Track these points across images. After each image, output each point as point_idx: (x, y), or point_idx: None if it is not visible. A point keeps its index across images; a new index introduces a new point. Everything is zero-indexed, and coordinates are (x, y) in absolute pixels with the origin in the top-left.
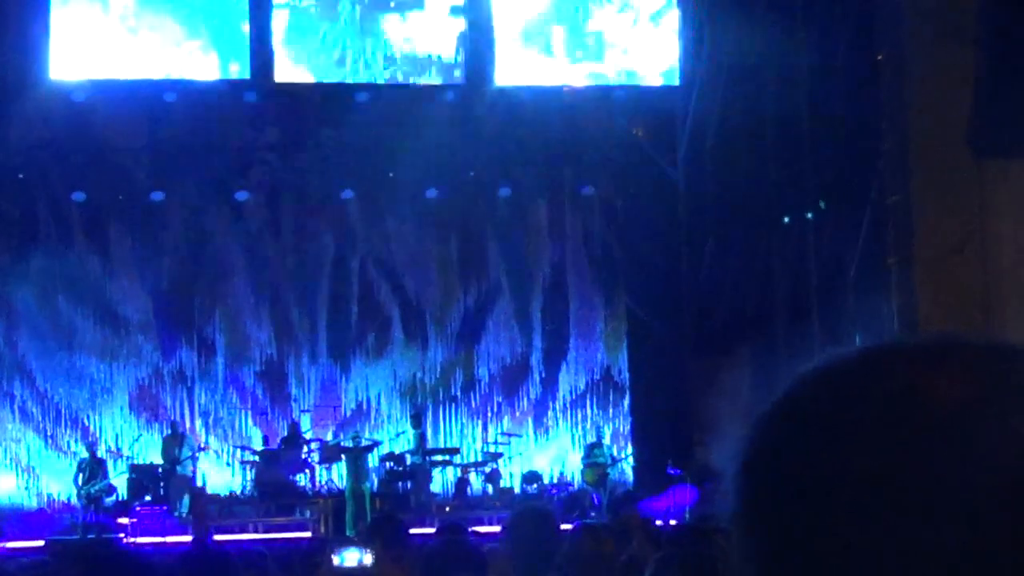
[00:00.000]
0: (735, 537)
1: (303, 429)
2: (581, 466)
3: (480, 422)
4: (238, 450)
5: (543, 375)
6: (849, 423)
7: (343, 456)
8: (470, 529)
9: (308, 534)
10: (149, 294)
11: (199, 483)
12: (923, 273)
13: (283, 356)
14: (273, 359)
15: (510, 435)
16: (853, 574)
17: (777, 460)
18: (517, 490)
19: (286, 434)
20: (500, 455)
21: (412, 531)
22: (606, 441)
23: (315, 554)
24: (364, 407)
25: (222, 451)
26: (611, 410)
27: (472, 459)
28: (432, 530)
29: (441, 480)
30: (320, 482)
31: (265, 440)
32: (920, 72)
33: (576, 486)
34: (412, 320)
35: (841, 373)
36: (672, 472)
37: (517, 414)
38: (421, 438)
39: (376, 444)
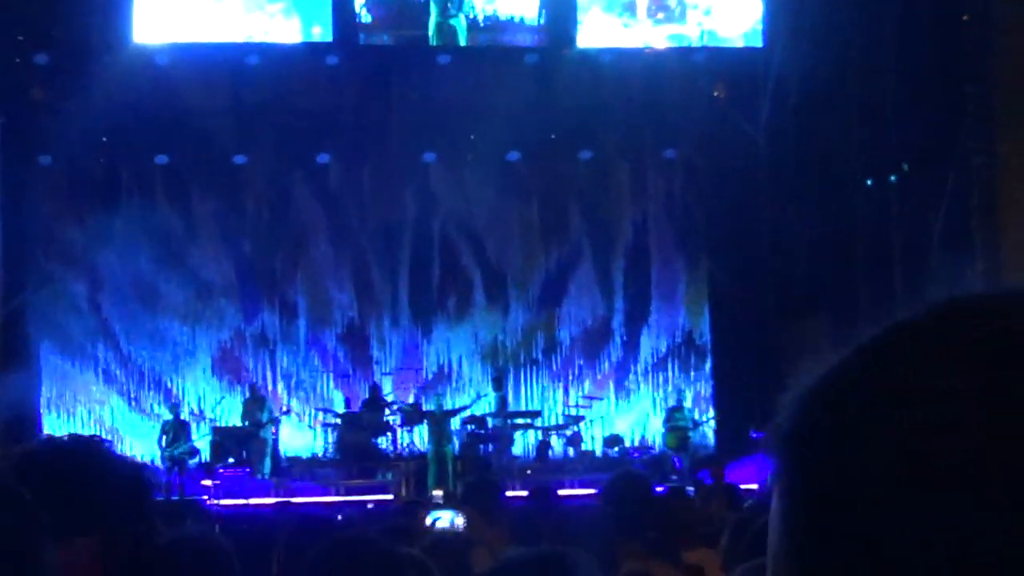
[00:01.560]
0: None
1: (384, 392)
2: (662, 430)
3: (561, 385)
4: (320, 413)
5: (624, 338)
6: (923, 401)
7: (425, 419)
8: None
9: (390, 496)
10: (231, 257)
11: (281, 446)
12: (1008, 234)
13: (364, 319)
14: (355, 322)
15: (591, 398)
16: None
17: (831, 440)
18: (598, 453)
19: (367, 397)
20: (581, 418)
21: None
22: (687, 405)
23: (406, 515)
24: (445, 370)
25: (304, 414)
26: (692, 373)
27: (553, 422)
28: (520, 493)
29: (522, 443)
30: (402, 445)
31: (347, 403)
32: (1007, 31)
33: (657, 450)
34: (493, 283)
35: (911, 338)
36: (755, 436)
37: (598, 377)
38: (502, 401)
39: (463, 409)
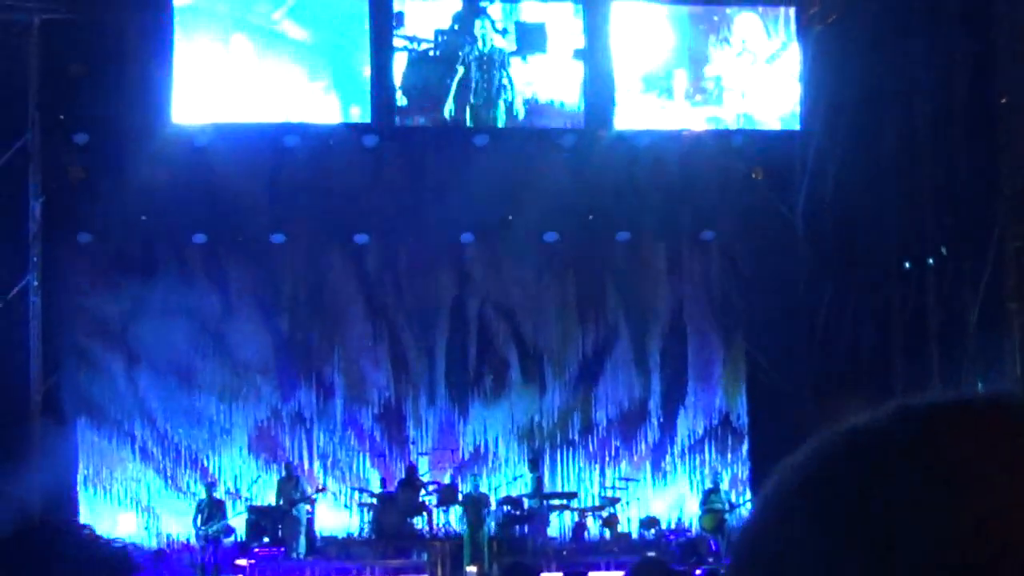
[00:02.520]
0: None
1: (420, 472)
2: (699, 512)
3: (597, 466)
4: (356, 492)
5: (661, 419)
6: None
7: (460, 500)
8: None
9: None
10: (269, 335)
11: (316, 526)
12: None
13: (401, 398)
14: (391, 401)
15: (628, 480)
16: None
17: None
18: (635, 535)
19: (403, 477)
20: (618, 500)
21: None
22: (724, 487)
23: None
24: (482, 450)
25: (340, 493)
26: (729, 455)
27: (589, 503)
28: (556, 575)
29: (558, 524)
30: (437, 525)
31: (383, 482)
32: None
33: (694, 532)
34: (530, 363)
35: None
36: None
37: (635, 458)
38: (538, 482)
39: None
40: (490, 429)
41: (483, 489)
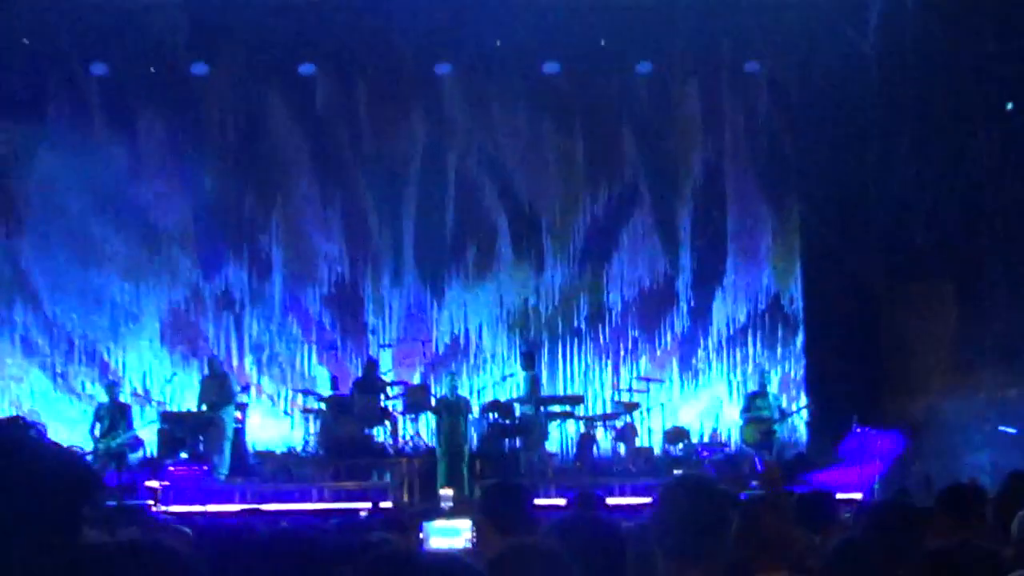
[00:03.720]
0: None
1: (383, 370)
2: (740, 422)
3: (610, 364)
4: (299, 396)
5: (692, 304)
6: None
7: (434, 405)
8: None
9: (388, 504)
10: (188, 194)
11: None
12: None
13: (358, 276)
14: (345, 280)
15: (649, 380)
16: None
17: None
18: (657, 451)
19: (360, 376)
20: (636, 406)
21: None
22: (772, 390)
23: (397, 529)
24: (461, 342)
25: (278, 397)
26: (780, 350)
27: (600, 411)
28: (556, 502)
29: (560, 437)
30: (404, 437)
31: (334, 383)
32: None
33: (733, 447)
34: (524, 232)
35: None
36: (858, 431)
37: (658, 354)
38: (534, 383)
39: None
40: (472, 315)
41: (462, 392)
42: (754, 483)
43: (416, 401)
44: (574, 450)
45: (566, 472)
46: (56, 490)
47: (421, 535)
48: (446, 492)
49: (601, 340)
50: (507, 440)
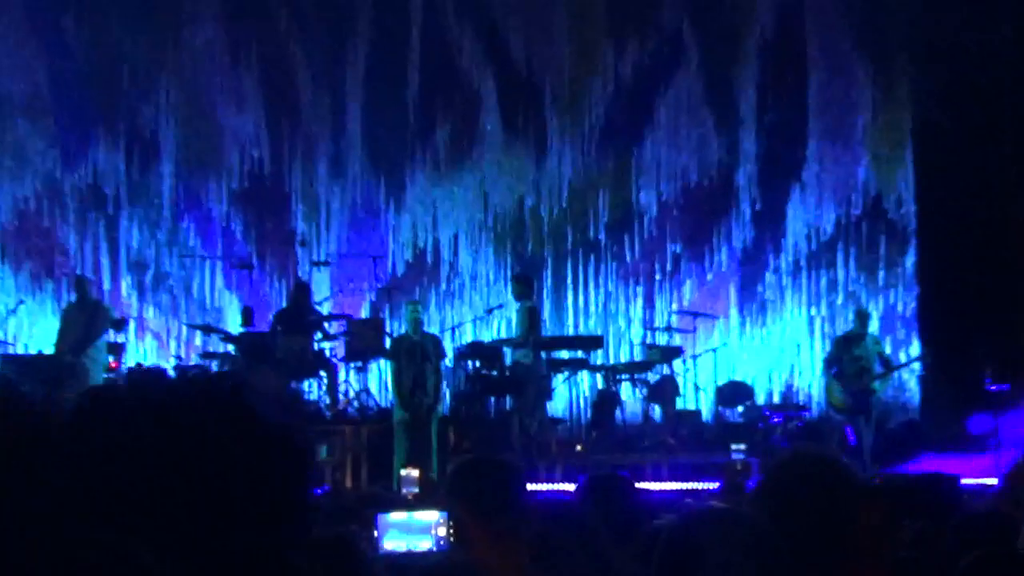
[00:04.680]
0: None
1: (316, 298)
2: (824, 377)
3: (641, 291)
4: (198, 334)
5: (758, 206)
6: None
7: (390, 348)
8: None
9: (324, 490)
10: (42, 54)
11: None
12: None
13: (281, 163)
14: (263, 168)
15: (696, 316)
16: None
17: None
18: (706, 416)
19: (285, 307)
20: (678, 352)
21: (529, 487)
22: (872, 330)
23: (337, 524)
24: (429, 259)
25: (168, 335)
26: (882, 274)
27: (625, 359)
28: (563, 487)
29: (569, 395)
30: (347, 394)
31: (247, 317)
32: None
33: (815, 411)
34: (519, 102)
35: None
36: (992, 390)
37: (709, 278)
38: (532, 318)
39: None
40: (444, 221)
41: (430, 330)
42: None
43: (364, 343)
44: (589, 414)
45: (577, 445)
46: (285, 474)
47: (375, 533)
48: (408, 472)
49: (628, 258)
50: (493, 399)
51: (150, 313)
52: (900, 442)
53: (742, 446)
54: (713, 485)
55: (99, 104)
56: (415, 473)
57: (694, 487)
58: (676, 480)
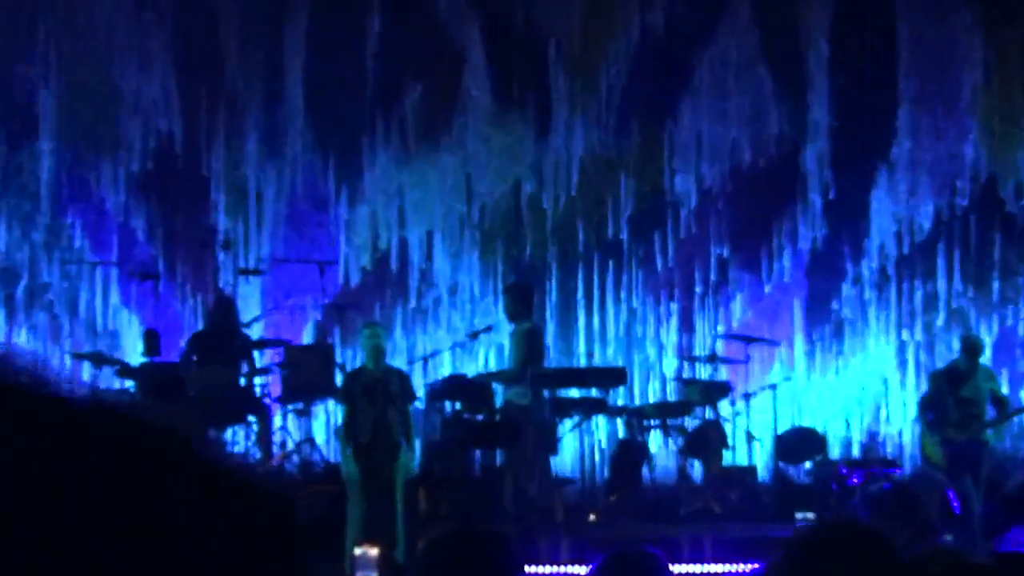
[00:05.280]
0: None
1: (244, 318)
2: (919, 420)
3: (676, 309)
4: (86, 363)
5: (832, 194)
6: None
7: (342, 385)
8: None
9: None
10: None
11: None
12: None
13: (198, 140)
14: (173, 146)
15: (749, 340)
16: None
17: None
18: (761, 472)
19: (203, 328)
20: (726, 389)
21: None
22: (984, 361)
23: None
24: (393, 265)
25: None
26: (996, 284)
27: (655, 398)
28: (574, 571)
29: (580, 447)
30: (285, 446)
31: (150, 342)
32: None
33: (906, 468)
34: (514, 61)
35: None
36: None
37: (767, 291)
38: (529, 342)
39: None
40: (415, 214)
41: (395, 362)
42: (947, 537)
43: (308, 377)
44: (606, 472)
45: (591, 514)
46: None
47: None
48: (364, 552)
49: (659, 264)
50: (479, 452)
51: (22, 337)
52: (1020, 509)
53: (810, 515)
54: None
55: None
56: (373, 552)
57: (745, 570)
58: (723, 561)
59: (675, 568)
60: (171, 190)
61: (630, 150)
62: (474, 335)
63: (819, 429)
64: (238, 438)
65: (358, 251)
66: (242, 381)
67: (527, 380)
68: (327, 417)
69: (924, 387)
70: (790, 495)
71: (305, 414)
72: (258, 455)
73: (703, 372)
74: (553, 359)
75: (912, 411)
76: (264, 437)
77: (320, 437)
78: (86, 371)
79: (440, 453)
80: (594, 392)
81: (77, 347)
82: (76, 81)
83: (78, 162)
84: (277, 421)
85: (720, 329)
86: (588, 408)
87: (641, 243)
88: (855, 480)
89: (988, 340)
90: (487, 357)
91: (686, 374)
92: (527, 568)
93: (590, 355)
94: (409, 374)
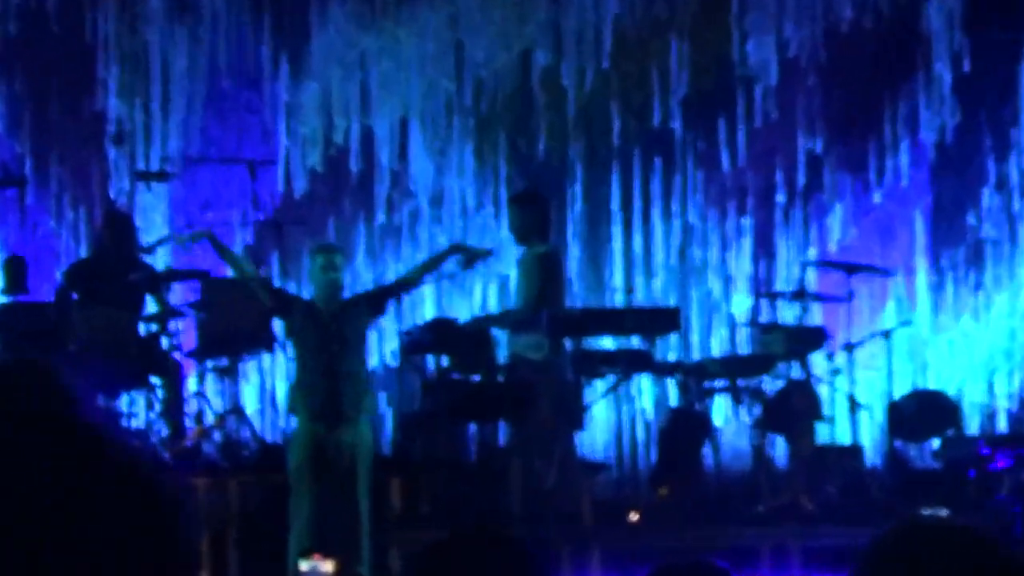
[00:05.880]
0: None
1: (148, 240)
2: None
3: (747, 225)
4: None
5: (964, 66)
6: None
7: (285, 331)
8: None
9: None
10: None
11: None
12: None
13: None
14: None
15: (853, 269)
16: None
17: None
18: (871, 454)
19: (86, 256)
20: (821, 337)
21: None
22: None
23: None
24: (354, 165)
25: None
26: None
27: (717, 351)
28: None
29: (617, 418)
30: (203, 420)
31: (15, 272)
32: None
33: None
34: None
35: None
36: None
37: (875, 199)
38: (544, 272)
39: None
40: (383, 94)
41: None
42: None
43: (233, 324)
44: (654, 454)
45: (632, 512)
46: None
47: None
48: (314, 566)
49: (726, 164)
50: (475, 425)
51: None
52: None
53: (942, 511)
54: None
55: None
56: (327, 567)
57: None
58: (816, 575)
59: None
60: (42, 62)
61: (682, 7)
62: (468, 262)
63: (950, 394)
64: (136, 408)
65: (304, 146)
66: (142, 328)
67: (542, 325)
68: (261, 379)
69: None
70: (910, 485)
71: (230, 374)
72: (164, 432)
73: (788, 314)
74: (578, 296)
75: None
76: (173, 407)
77: (251, 406)
78: None
79: (420, 428)
80: (635, 342)
81: None
82: None
83: None
84: (191, 384)
85: (811, 254)
86: (627, 365)
87: (700, 134)
88: (1001, 464)
89: None
90: (485, 294)
91: (764, 317)
92: None
93: (629, 291)
94: (373, 315)
